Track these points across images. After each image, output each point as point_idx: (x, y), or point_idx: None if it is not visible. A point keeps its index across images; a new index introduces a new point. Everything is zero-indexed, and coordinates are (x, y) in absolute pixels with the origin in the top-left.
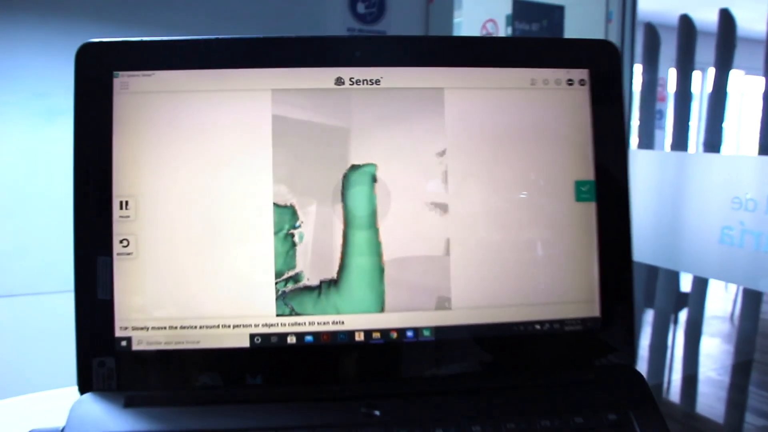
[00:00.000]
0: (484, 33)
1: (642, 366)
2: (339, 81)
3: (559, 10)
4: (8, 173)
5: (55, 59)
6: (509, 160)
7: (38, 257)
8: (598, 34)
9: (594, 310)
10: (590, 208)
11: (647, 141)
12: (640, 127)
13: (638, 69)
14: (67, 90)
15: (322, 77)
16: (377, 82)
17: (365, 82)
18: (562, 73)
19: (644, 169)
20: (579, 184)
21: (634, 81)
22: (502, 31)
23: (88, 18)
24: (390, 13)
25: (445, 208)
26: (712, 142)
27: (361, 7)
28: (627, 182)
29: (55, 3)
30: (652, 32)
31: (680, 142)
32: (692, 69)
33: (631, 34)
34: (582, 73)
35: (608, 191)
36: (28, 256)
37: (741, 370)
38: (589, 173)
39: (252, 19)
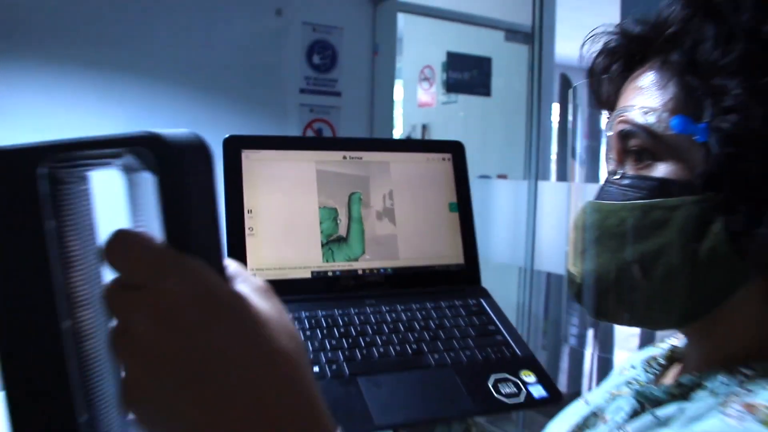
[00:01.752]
0: (422, 77)
1: None
2: (344, 157)
3: (487, 61)
4: None
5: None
6: (422, 193)
7: None
8: (520, 82)
9: (461, 260)
10: (455, 215)
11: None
12: (557, 162)
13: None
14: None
15: (336, 155)
16: (360, 158)
17: (355, 158)
18: (439, 155)
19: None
20: (450, 204)
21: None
22: (438, 75)
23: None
24: (341, 63)
25: (392, 213)
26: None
27: (316, 59)
28: (470, 201)
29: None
30: (565, 80)
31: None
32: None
33: (548, 82)
34: (447, 155)
35: (463, 206)
36: None
37: None
38: (453, 198)
39: (221, 68)
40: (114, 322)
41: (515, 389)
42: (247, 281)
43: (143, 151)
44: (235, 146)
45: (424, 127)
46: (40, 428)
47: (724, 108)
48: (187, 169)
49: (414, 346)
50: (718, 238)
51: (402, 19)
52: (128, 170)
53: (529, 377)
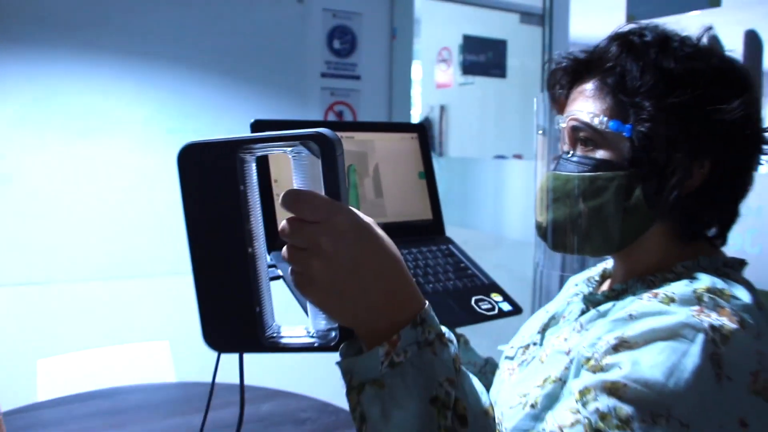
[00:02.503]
0: (439, 59)
1: None
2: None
3: (503, 43)
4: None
5: (89, 92)
6: (399, 165)
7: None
8: (535, 63)
9: (430, 216)
10: (423, 182)
11: None
12: None
13: None
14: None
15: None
16: (353, 137)
17: (349, 137)
18: (408, 135)
19: None
20: (420, 173)
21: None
22: (456, 57)
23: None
24: (360, 48)
25: (379, 181)
26: None
27: (336, 44)
28: (433, 170)
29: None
30: None
31: None
32: None
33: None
34: (414, 135)
35: (429, 175)
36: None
37: None
38: (422, 168)
39: (246, 55)
40: (300, 244)
41: (490, 306)
42: (366, 217)
43: (311, 143)
44: (261, 128)
45: (442, 108)
46: (228, 315)
47: (642, 118)
48: (337, 154)
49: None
50: (637, 198)
51: (420, 0)
52: (296, 153)
53: (497, 297)
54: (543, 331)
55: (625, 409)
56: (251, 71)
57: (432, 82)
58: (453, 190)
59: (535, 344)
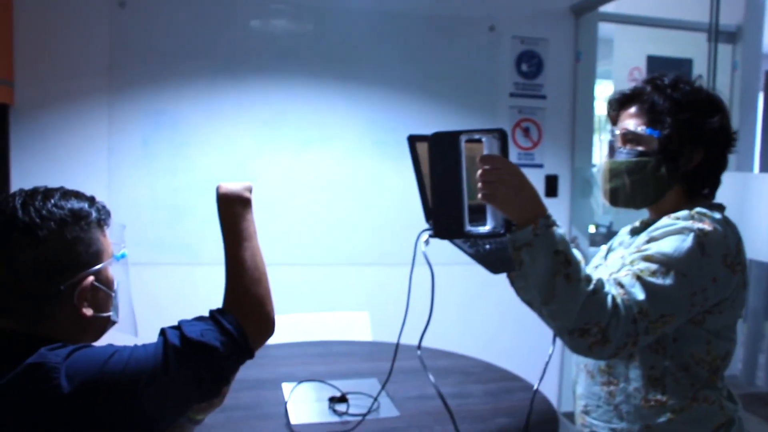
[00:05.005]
0: (630, 78)
1: None
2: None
3: (688, 62)
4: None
5: (313, 110)
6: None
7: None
8: (723, 81)
9: None
10: None
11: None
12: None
13: None
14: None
15: None
16: None
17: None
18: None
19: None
20: None
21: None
22: (645, 76)
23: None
24: (546, 70)
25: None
26: None
27: (524, 67)
28: None
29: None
30: None
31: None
32: None
33: (754, 77)
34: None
35: None
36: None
37: None
38: None
39: (443, 78)
40: (491, 179)
41: None
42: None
43: (495, 134)
44: (413, 140)
45: None
46: (447, 220)
47: (665, 127)
48: (507, 139)
49: None
50: (662, 172)
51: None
52: (488, 138)
53: None
54: (605, 255)
55: (652, 267)
56: (447, 92)
57: None
58: None
59: (600, 266)
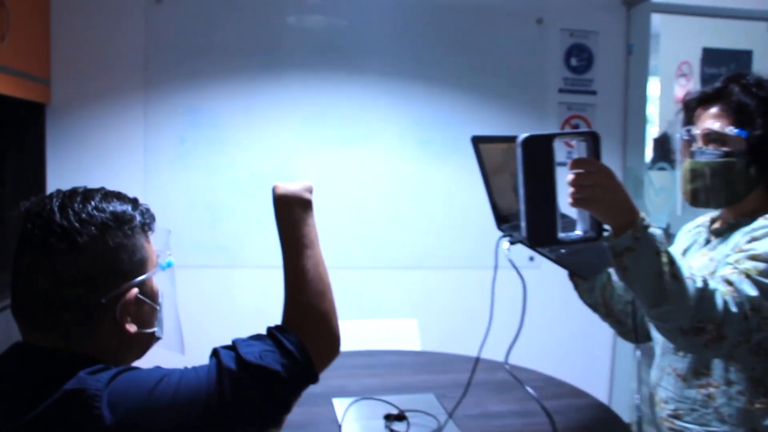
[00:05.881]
0: (679, 74)
1: None
2: None
3: (747, 54)
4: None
5: (353, 107)
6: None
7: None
8: None
9: None
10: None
11: None
12: None
13: None
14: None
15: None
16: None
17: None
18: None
19: None
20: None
21: None
22: (696, 71)
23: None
24: (596, 64)
25: None
26: None
27: (573, 61)
28: None
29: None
30: None
31: None
32: None
33: None
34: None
35: None
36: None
37: None
38: None
39: (490, 73)
40: (585, 183)
41: None
42: None
43: (589, 137)
44: (477, 141)
45: None
46: (541, 229)
47: (754, 126)
48: (599, 143)
49: None
50: (750, 172)
51: (659, 16)
52: (580, 141)
53: None
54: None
55: (760, 266)
56: (494, 88)
57: (671, 97)
58: None
59: None
